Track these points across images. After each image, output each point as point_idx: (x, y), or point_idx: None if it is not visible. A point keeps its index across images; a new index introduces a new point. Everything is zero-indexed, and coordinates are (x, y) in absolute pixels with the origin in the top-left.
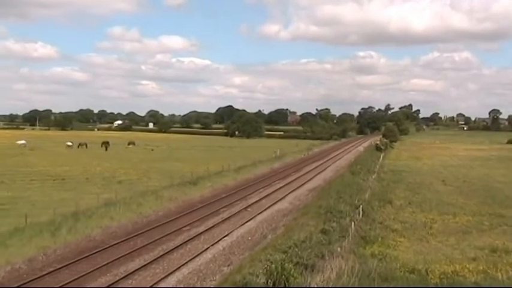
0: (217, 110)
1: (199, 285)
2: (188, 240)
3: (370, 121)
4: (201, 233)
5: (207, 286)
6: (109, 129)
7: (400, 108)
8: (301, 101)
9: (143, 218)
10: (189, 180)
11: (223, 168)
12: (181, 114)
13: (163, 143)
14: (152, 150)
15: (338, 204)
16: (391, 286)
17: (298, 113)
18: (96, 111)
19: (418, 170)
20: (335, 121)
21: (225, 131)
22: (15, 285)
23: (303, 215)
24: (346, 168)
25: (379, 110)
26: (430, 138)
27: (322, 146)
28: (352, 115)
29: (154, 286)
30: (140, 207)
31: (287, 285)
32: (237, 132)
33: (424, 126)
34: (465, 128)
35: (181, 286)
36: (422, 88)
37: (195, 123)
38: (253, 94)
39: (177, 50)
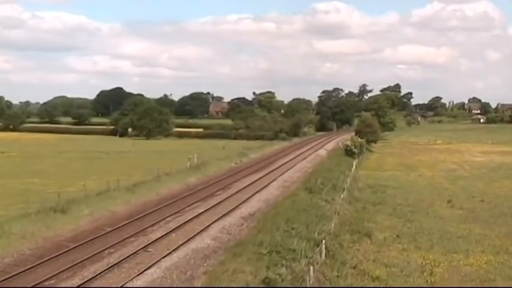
0: (98, 95)
1: None
2: None
3: (336, 110)
4: None
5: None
6: None
7: (382, 91)
8: (230, 79)
9: None
10: (55, 206)
11: (109, 186)
12: (41, 101)
13: (11, 148)
14: None
15: (288, 239)
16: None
17: (226, 99)
18: None
19: (411, 185)
20: (283, 111)
21: (112, 127)
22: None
23: (235, 257)
24: (301, 184)
25: (351, 93)
26: (428, 135)
27: (263, 149)
28: (309, 101)
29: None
30: None
31: None
32: (130, 130)
33: (420, 118)
34: (482, 120)
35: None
36: (416, 59)
37: (63, 115)
38: (156, 69)
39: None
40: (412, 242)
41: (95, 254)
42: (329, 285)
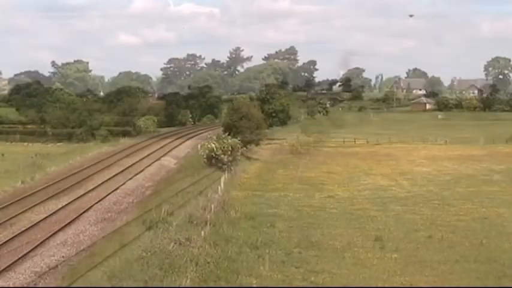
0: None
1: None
2: None
3: (192, 93)
4: None
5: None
6: None
7: (266, 59)
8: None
9: None
10: None
11: None
12: None
13: None
14: None
15: None
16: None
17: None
18: None
19: (316, 214)
20: (103, 94)
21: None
22: None
23: None
24: (133, 216)
25: (215, 62)
26: (343, 131)
27: (71, 157)
28: (147, 77)
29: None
30: None
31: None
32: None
33: (328, 103)
34: (428, 106)
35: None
36: None
37: None
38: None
39: None
40: None
41: None
42: None
